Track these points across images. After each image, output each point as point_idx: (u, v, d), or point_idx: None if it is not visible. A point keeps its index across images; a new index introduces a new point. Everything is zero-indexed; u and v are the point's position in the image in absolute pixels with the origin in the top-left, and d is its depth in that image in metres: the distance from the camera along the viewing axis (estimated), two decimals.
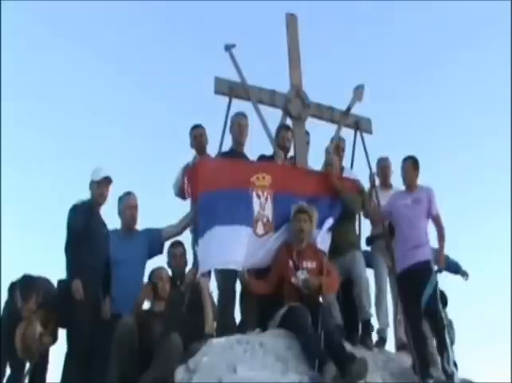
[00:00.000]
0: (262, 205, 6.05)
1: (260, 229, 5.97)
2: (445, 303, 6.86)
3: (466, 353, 6.90)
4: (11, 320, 5.28)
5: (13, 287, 5.52)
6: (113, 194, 5.99)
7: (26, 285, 5.38)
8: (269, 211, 6.07)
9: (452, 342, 6.68)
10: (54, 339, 5.44)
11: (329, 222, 6.23)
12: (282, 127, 6.85)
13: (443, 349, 5.60)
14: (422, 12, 17.76)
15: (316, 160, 6.94)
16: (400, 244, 6.10)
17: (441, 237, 6.24)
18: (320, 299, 5.66)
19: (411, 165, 6.36)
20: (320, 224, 6.13)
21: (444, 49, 19.54)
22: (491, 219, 17.33)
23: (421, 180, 6.45)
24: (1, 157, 7.37)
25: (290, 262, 5.67)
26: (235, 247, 5.72)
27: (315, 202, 6.13)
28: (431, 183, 6.46)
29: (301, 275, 5.52)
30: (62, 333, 5.45)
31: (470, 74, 19.57)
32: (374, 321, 6.36)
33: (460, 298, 7.15)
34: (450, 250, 6.93)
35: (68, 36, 18.51)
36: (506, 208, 13.28)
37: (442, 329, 5.69)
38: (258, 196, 6.07)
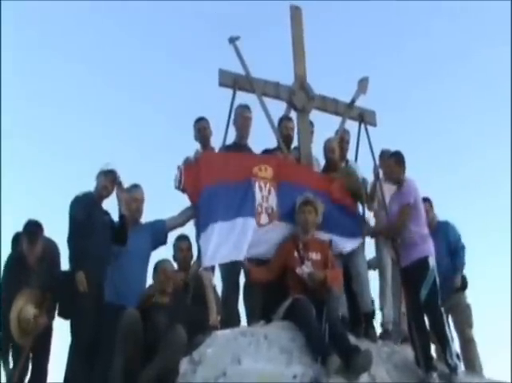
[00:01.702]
0: (265, 197, 6.05)
1: (264, 220, 5.99)
2: (464, 287, 6.93)
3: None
4: (9, 294, 5.29)
5: (17, 238, 5.58)
6: None
7: (33, 231, 5.45)
8: (273, 202, 6.08)
9: (470, 326, 6.80)
10: (50, 318, 5.42)
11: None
12: (284, 117, 6.89)
13: (444, 343, 5.60)
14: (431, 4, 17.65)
15: (320, 152, 6.95)
16: (401, 243, 6.07)
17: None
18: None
19: (393, 162, 6.22)
20: (329, 227, 6.12)
21: (450, 45, 19.45)
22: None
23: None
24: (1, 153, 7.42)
25: (296, 253, 5.68)
26: (239, 240, 5.72)
27: (320, 197, 6.11)
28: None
29: (306, 269, 5.52)
30: (66, 325, 5.48)
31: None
32: (378, 314, 6.40)
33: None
34: None
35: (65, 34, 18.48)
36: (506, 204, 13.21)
37: (441, 324, 5.69)
38: (260, 188, 6.06)
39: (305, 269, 5.51)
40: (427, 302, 5.65)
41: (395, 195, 6.26)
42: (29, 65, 17.50)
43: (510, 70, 14.36)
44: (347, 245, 6.22)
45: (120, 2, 17.26)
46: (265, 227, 5.95)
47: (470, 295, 7.04)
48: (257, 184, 6.05)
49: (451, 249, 7.01)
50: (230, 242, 5.67)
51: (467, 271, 7.09)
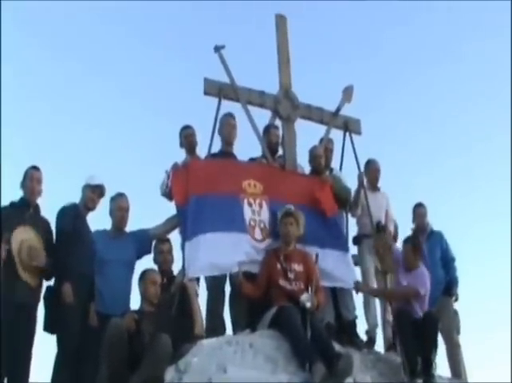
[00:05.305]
0: (257, 212, 6.11)
1: (258, 235, 6.03)
2: (452, 294, 7.01)
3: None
4: None
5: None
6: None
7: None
8: (265, 217, 6.13)
9: (458, 332, 6.89)
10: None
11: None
12: (271, 125, 6.91)
13: (434, 347, 5.66)
14: (416, 11, 17.71)
15: (305, 161, 6.98)
16: None
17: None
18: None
19: (410, 248, 6.07)
20: (314, 241, 6.11)
21: (441, 45, 19.48)
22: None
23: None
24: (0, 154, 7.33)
25: (278, 265, 5.67)
26: (233, 254, 5.73)
27: (306, 211, 6.12)
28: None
29: (308, 303, 5.33)
30: (52, 338, 5.40)
31: (469, 70, 19.47)
32: (362, 322, 6.43)
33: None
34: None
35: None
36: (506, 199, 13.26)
37: (437, 329, 5.76)
38: (250, 204, 6.11)
39: (305, 302, 5.32)
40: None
41: (407, 275, 6.05)
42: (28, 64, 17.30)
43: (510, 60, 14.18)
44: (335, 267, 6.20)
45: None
46: (262, 245, 5.98)
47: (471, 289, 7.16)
48: (246, 201, 6.10)
49: (443, 257, 7.10)
50: (221, 254, 5.67)
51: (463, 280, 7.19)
